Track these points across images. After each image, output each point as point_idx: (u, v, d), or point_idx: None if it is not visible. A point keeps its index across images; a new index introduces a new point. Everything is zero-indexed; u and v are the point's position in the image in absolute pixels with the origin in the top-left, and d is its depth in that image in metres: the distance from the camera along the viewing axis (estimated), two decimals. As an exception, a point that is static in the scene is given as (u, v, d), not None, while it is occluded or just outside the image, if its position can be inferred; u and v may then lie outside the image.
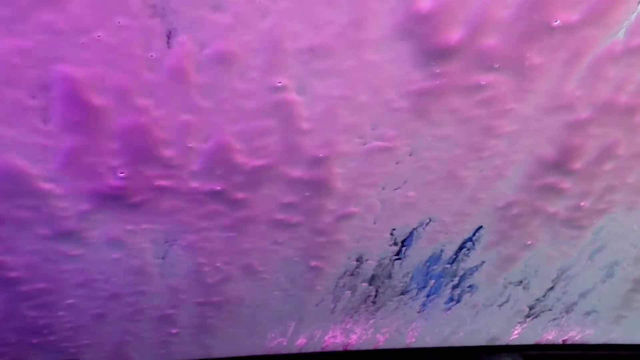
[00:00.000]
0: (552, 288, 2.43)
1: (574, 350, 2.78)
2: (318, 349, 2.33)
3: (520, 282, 2.35)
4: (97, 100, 1.39)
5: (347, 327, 2.30)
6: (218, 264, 1.90)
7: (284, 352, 2.27)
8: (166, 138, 1.51)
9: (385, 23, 1.40)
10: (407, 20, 1.41)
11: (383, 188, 1.82)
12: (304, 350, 2.30)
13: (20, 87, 1.32)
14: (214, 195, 1.69)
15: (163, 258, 1.82)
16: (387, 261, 2.10)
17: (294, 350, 2.29)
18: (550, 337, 2.69)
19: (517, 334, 2.62)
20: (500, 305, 2.44)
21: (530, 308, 2.51)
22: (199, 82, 1.42)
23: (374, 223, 1.94)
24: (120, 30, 1.29)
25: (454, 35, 1.46)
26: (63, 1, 1.22)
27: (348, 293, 2.17)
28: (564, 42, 1.53)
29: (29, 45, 1.26)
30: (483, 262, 2.22)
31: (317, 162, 1.68)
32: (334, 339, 2.32)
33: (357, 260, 2.06)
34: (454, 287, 2.30)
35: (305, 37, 1.40)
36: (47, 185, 1.53)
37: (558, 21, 1.47)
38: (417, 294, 2.29)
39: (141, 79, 1.37)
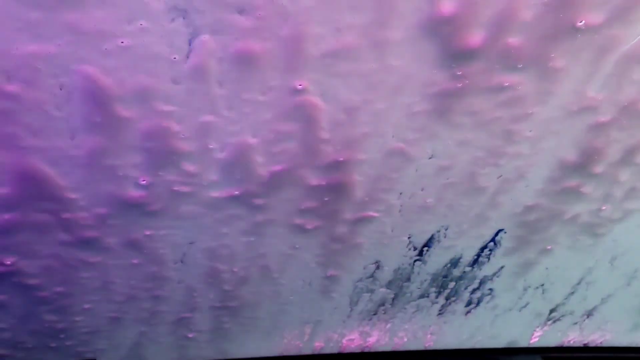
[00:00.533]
0: (573, 292, 2.40)
1: (596, 353, 2.75)
2: (335, 352, 2.32)
3: (541, 285, 2.33)
4: (119, 104, 1.40)
5: (365, 329, 2.30)
6: (236, 269, 1.90)
7: (301, 353, 2.27)
8: (187, 141, 1.51)
9: (408, 24, 1.39)
10: (430, 22, 1.39)
11: (401, 193, 1.81)
12: (322, 352, 2.30)
13: (43, 91, 1.33)
14: (233, 200, 1.68)
15: (181, 262, 1.83)
16: (405, 266, 2.09)
17: (311, 352, 2.29)
18: (571, 340, 2.66)
19: (537, 337, 2.60)
20: (520, 309, 2.42)
21: (551, 311, 2.48)
22: (220, 84, 1.42)
23: (392, 228, 1.93)
24: (143, 33, 1.29)
25: (477, 36, 1.44)
26: (87, 5, 1.22)
27: (366, 296, 2.17)
28: (588, 43, 1.51)
29: (53, 50, 1.26)
30: (503, 266, 2.20)
31: (336, 166, 1.67)
32: (351, 342, 2.31)
33: (375, 264, 2.05)
34: (473, 290, 2.28)
35: (327, 40, 1.39)
36: (68, 191, 1.54)
37: (583, 22, 1.47)
38: (435, 297, 2.27)
39: (164, 82, 1.38)
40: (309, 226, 1.83)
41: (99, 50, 1.28)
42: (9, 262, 1.66)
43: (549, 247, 2.16)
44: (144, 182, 1.57)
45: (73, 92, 1.34)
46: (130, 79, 1.35)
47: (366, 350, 2.36)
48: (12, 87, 1.30)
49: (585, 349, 2.71)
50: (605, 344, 2.72)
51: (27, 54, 1.25)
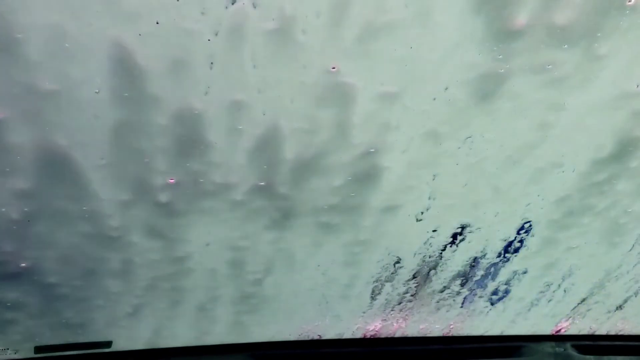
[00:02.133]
0: (602, 283, 2.34)
1: (627, 342, 2.69)
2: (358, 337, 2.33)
3: (569, 275, 2.28)
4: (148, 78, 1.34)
5: (386, 319, 2.30)
6: (258, 261, 1.88)
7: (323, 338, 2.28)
8: (214, 124, 1.46)
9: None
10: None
11: (433, 178, 1.74)
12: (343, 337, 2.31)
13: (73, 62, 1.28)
14: (258, 190, 1.65)
15: (203, 252, 1.80)
16: (430, 259, 2.06)
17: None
18: (602, 329, 2.61)
19: (567, 325, 2.55)
20: (548, 300, 2.37)
21: (580, 302, 2.43)
22: (253, 56, 1.34)
23: (418, 219, 1.87)
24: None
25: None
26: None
27: (388, 287, 2.15)
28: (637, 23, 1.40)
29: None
30: (530, 258, 2.14)
31: (366, 155, 1.61)
32: (372, 330, 2.32)
33: (397, 258, 2.02)
34: (500, 283, 2.25)
35: (366, 16, 1.30)
36: (93, 177, 1.50)
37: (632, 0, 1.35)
38: (459, 290, 2.24)
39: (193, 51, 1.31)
40: (336, 216, 1.79)
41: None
42: (27, 255, 1.66)
43: (580, 238, 2.09)
44: (172, 180, 1.56)
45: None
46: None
47: (389, 336, 2.36)
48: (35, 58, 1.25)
49: (617, 337, 2.66)
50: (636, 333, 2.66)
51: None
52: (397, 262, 2.04)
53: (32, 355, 1.95)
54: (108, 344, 2.03)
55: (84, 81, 1.31)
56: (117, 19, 1.23)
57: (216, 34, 1.29)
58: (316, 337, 2.26)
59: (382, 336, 2.35)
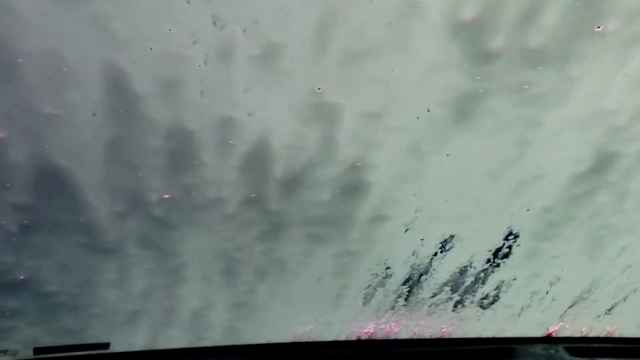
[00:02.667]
0: (590, 288, 2.37)
1: (620, 344, 2.71)
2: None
3: (557, 280, 2.30)
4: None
5: (379, 322, 2.32)
6: (249, 271, 1.92)
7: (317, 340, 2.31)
8: (205, 140, 1.52)
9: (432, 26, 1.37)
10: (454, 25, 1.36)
11: (415, 194, 1.79)
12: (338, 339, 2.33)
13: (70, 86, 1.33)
14: (249, 203, 1.68)
15: (197, 262, 1.85)
16: (417, 269, 2.09)
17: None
18: (593, 332, 2.63)
19: (559, 327, 2.57)
20: (539, 301, 2.40)
21: (572, 304, 2.45)
22: (242, 75, 1.39)
23: (406, 230, 1.91)
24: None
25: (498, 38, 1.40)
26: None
27: (380, 292, 2.17)
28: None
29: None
30: (517, 266, 2.18)
31: (352, 169, 1.66)
32: (366, 333, 2.35)
33: (386, 267, 2.06)
34: (489, 288, 2.28)
35: (349, 40, 1.36)
36: (88, 191, 1.54)
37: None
38: (449, 297, 2.27)
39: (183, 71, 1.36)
40: (325, 227, 1.83)
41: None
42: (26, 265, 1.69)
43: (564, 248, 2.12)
44: (167, 196, 1.60)
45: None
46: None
47: (383, 338, 2.38)
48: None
49: (608, 339, 2.68)
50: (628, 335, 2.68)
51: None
52: (388, 268, 2.07)
53: (32, 356, 1.96)
54: (106, 345, 2.05)
55: (81, 104, 1.35)
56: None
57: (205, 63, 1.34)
58: (310, 340, 2.28)
59: (377, 338, 2.36)
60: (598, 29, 1.42)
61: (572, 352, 2.63)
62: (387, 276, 2.11)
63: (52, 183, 1.50)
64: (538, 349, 2.59)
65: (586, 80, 1.54)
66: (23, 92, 1.30)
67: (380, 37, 1.37)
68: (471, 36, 1.40)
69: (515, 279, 2.25)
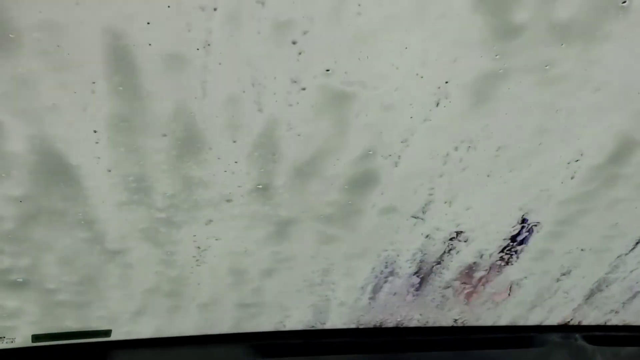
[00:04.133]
0: (608, 278, 2.30)
1: (638, 332, 2.66)
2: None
3: (576, 268, 2.22)
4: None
5: (392, 311, 2.25)
6: (254, 265, 1.86)
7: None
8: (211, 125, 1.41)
9: None
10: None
11: (431, 186, 1.72)
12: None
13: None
14: (256, 193, 1.60)
15: (198, 262, 1.80)
16: (427, 263, 2.03)
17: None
18: (612, 320, 2.56)
19: (577, 316, 2.50)
20: (558, 290, 2.32)
21: (590, 292, 2.38)
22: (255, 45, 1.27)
23: (415, 223, 1.84)
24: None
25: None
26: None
27: (392, 279, 2.10)
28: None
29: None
30: (532, 256, 2.10)
31: (364, 157, 1.56)
32: (380, 320, 2.28)
33: (387, 261, 1.99)
34: (504, 275, 2.20)
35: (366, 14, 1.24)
36: (89, 182, 1.47)
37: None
38: (461, 289, 2.21)
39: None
40: (334, 218, 1.76)
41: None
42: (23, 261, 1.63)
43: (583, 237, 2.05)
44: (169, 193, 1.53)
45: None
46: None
47: (397, 326, 2.32)
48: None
49: (627, 327, 2.62)
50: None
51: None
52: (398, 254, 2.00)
53: (30, 344, 1.89)
54: (107, 332, 1.98)
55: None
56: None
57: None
58: (318, 327, 2.21)
59: (390, 326, 2.30)
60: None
61: (590, 340, 2.59)
62: (399, 264, 2.02)
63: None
64: (556, 337, 2.55)
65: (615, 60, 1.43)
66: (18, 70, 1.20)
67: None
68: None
69: (532, 267, 2.18)
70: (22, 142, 1.34)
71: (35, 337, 1.90)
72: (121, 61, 1.23)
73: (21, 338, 1.88)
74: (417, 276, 2.10)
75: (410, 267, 2.05)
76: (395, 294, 2.15)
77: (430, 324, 2.34)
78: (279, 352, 2.18)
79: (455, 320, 2.37)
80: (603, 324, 2.58)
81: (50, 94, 1.26)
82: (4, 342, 1.88)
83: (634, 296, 2.45)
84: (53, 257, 1.65)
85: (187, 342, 2.10)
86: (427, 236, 1.92)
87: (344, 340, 2.26)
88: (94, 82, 1.26)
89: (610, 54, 1.41)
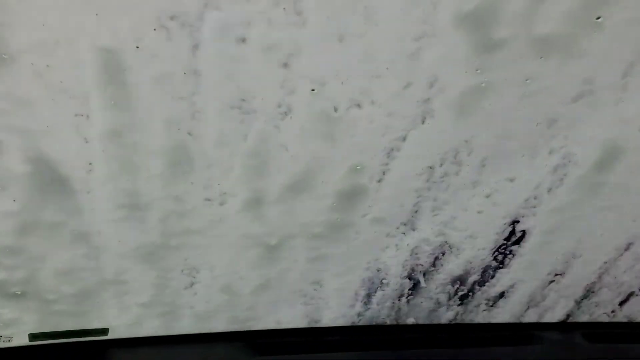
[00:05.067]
0: (609, 274, 2.30)
1: (636, 330, 2.64)
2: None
3: (575, 266, 2.22)
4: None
5: (391, 309, 2.25)
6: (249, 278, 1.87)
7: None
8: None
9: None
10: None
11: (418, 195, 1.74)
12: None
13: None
14: (248, 208, 1.62)
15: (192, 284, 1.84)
16: (418, 271, 2.05)
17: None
18: (610, 317, 2.56)
19: (576, 314, 2.50)
20: (557, 288, 2.32)
21: (589, 290, 2.37)
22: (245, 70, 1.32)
23: (404, 233, 1.86)
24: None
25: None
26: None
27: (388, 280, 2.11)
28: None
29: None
30: (534, 250, 2.11)
31: (352, 173, 1.59)
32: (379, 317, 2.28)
33: (378, 270, 2.01)
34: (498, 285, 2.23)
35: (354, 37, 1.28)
36: (83, 195, 1.50)
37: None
38: (453, 295, 2.22)
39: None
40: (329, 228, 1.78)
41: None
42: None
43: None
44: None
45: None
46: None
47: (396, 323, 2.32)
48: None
49: (626, 325, 2.62)
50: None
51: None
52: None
53: (27, 342, 1.89)
54: (104, 331, 1.98)
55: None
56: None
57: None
58: (316, 325, 2.21)
59: (389, 323, 2.30)
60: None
61: (589, 338, 2.58)
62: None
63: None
64: (555, 335, 2.53)
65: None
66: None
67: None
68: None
69: (531, 264, 2.19)
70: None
71: (33, 336, 1.90)
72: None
73: (18, 337, 1.88)
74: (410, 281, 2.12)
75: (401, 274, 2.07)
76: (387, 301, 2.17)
77: (426, 322, 2.34)
78: (276, 350, 2.18)
79: (450, 321, 2.37)
80: (601, 321, 2.57)
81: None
82: (1, 341, 1.88)
83: (631, 294, 2.44)
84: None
85: (185, 340, 2.10)
86: (415, 247, 1.93)
87: (340, 338, 2.26)
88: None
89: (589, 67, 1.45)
